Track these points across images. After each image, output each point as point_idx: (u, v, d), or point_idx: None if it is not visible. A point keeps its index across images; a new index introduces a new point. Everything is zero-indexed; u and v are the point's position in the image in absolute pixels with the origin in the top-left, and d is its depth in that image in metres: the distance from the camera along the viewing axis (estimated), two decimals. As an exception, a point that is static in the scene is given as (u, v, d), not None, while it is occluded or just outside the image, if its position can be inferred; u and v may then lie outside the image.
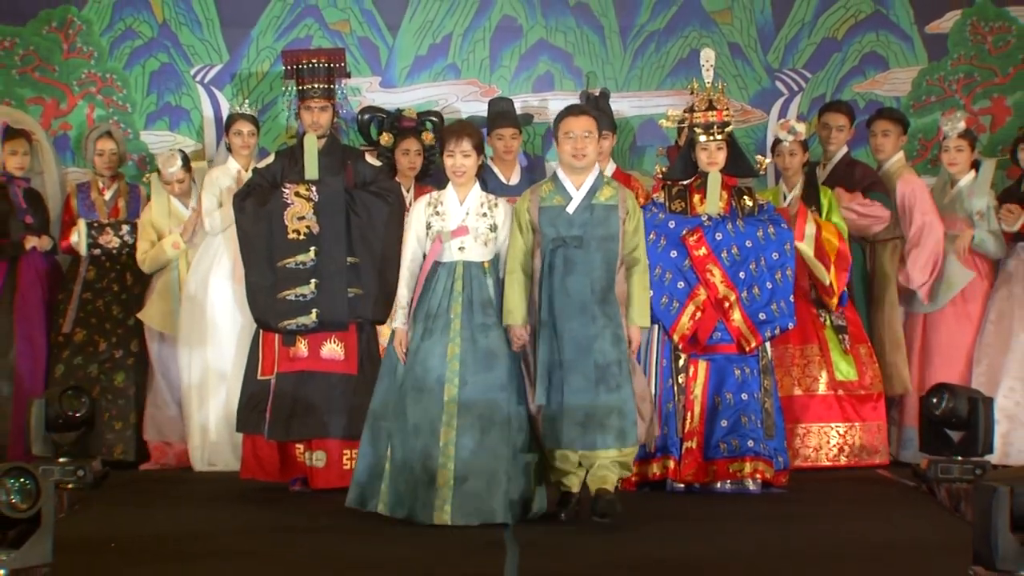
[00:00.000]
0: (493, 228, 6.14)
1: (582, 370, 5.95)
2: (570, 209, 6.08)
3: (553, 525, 6.06)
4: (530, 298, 6.07)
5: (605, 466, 6.03)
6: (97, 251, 8.02)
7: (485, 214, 6.15)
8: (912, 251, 7.86)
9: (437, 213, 6.15)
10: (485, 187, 7.31)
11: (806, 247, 7.34)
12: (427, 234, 6.14)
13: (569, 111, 6.21)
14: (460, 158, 6.11)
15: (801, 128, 7.91)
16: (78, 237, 7.99)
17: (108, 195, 8.13)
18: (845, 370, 7.71)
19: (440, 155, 6.27)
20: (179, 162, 7.98)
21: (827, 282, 7.46)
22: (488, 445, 5.92)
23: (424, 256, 6.16)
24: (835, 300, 7.54)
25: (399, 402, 6.04)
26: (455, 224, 6.10)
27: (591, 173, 6.16)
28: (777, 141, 7.92)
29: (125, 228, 8.01)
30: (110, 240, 8.02)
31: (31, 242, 7.94)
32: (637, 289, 6.11)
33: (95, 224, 8.03)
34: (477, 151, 6.16)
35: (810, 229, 7.37)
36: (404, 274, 6.20)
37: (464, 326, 6.01)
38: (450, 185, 6.21)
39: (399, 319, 6.14)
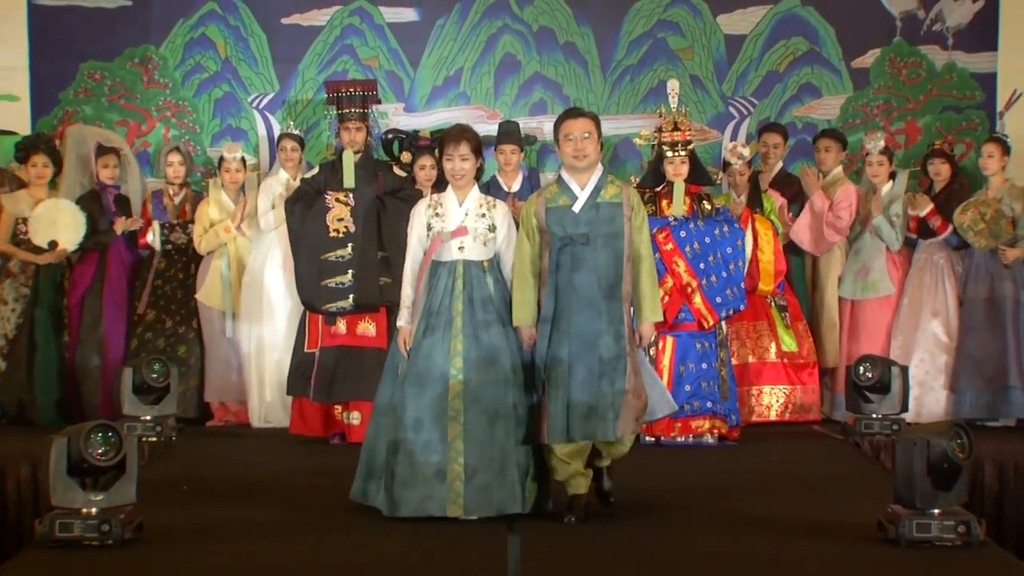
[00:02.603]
0: (492, 228, 5.28)
1: (587, 364, 5.07)
2: (576, 208, 5.14)
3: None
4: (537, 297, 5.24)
5: (600, 459, 5.27)
6: (168, 247, 7.97)
7: (484, 215, 5.30)
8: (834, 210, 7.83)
9: (437, 215, 5.31)
10: (488, 194, 7.28)
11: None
12: (428, 235, 5.29)
13: (568, 114, 5.30)
14: (459, 162, 5.28)
15: (747, 152, 7.90)
16: (153, 236, 7.95)
17: (177, 200, 8.08)
18: (788, 342, 7.72)
19: (439, 159, 5.35)
20: (240, 151, 7.99)
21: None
22: (496, 438, 5.07)
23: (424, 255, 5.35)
24: (770, 289, 7.52)
25: (398, 396, 5.19)
26: (455, 225, 5.26)
27: (595, 173, 5.20)
28: (727, 164, 7.89)
29: (191, 227, 7.97)
30: (179, 237, 7.97)
31: (121, 224, 7.87)
32: (646, 285, 5.20)
33: (167, 225, 7.98)
34: (475, 155, 5.32)
35: (748, 240, 7.36)
36: (407, 274, 5.34)
37: (466, 323, 5.16)
38: (450, 188, 5.37)
39: (403, 318, 5.30)
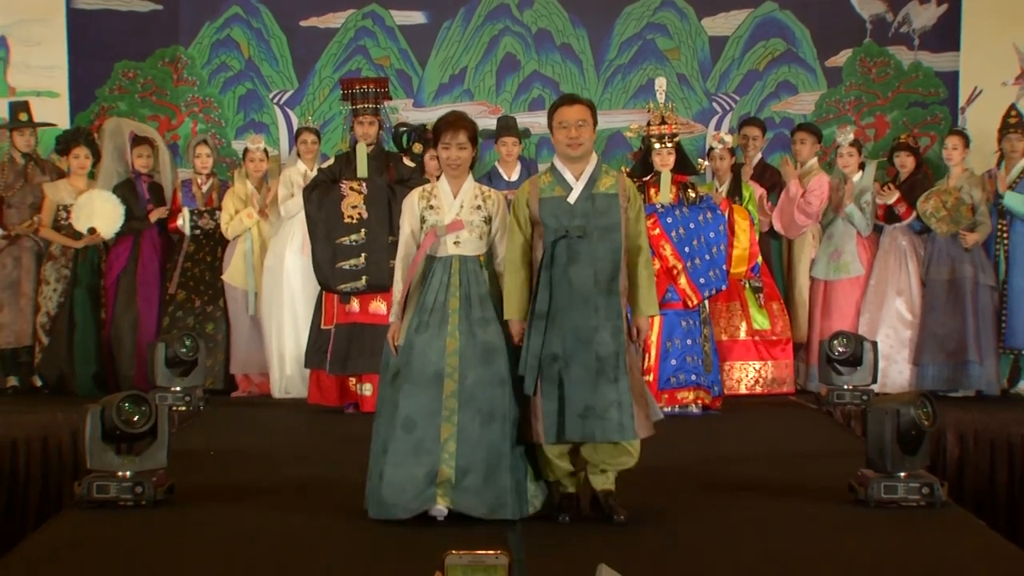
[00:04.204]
0: (487, 220, 4.56)
1: (583, 361, 4.38)
2: (571, 199, 4.45)
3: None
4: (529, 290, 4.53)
5: (605, 462, 4.52)
6: (197, 231, 7.94)
7: (479, 206, 4.57)
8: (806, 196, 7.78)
9: (431, 207, 4.56)
10: (490, 183, 7.24)
11: None
12: (421, 228, 4.57)
13: (562, 100, 4.57)
14: (456, 150, 4.54)
15: (729, 139, 7.88)
16: (183, 221, 7.92)
17: (205, 189, 8.04)
18: (760, 321, 7.70)
19: (435, 147, 4.67)
20: (262, 143, 7.98)
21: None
22: (489, 440, 4.38)
23: (417, 249, 4.60)
24: (742, 272, 7.46)
25: (390, 395, 4.49)
26: (450, 218, 4.53)
27: (589, 163, 4.51)
28: (711, 148, 7.86)
29: (218, 214, 7.93)
30: (207, 223, 7.94)
31: (155, 215, 7.86)
32: (642, 278, 4.50)
33: (195, 212, 7.95)
34: (472, 143, 4.59)
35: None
36: (399, 268, 4.60)
37: (462, 320, 4.45)
38: (443, 177, 4.63)
39: (394, 313, 4.56)
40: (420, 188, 4.70)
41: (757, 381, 7.69)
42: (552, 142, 4.64)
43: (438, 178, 4.67)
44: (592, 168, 4.53)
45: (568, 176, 4.52)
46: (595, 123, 4.53)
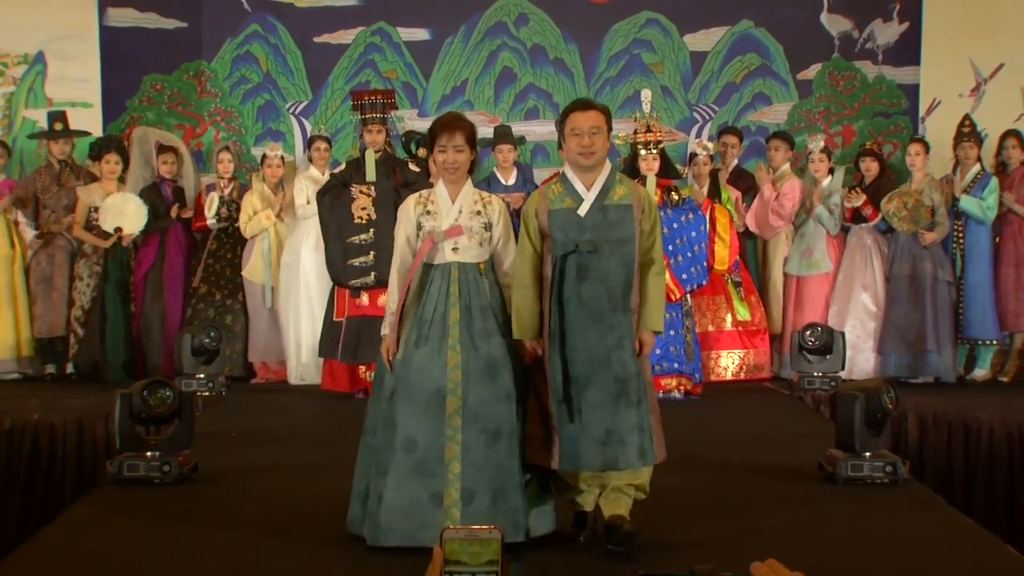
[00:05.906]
0: (488, 227, 3.94)
1: (600, 384, 3.76)
2: (581, 212, 3.81)
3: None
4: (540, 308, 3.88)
5: (620, 488, 3.87)
6: (217, 218, 7.87)
7: (479, 212, 3.95)
8: (779, 200, 7.77)
9: (428, 212, 3.94)
10: (488, 188, 7.23)
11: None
12: (418, 235, 3.95)
13: (575, 106, 3.89)
14: (452, 153, 3.90)
15: (710, 146, 7.88)
16: (210, 204, 7.87)
17: (227, 192, 8.03)
18: (743, 312, 7.70)
19: (431, 151, 4.07)
20: (279, 150, 7.98)
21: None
22: (497, 459, 3.76)
23: (414, 256, 3.98)
24: (725, 267, 7.44)
25: (387, 413, 3.84)
26: (448, 223, 3.92)
27: (602, 172, 3.85)
28: (693, 154, 7.85)
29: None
30: (223, 212, 7.90)
31: (175, 211, 7.86)
32: (651, 292, 3.86)
33: (223, 199, 7.91)
34: (470, 145, 3.94)
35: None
36: (394, 278, 3.98)
37: (463, 333, 3.82)
38: (441, 182, 4.01)
39: (388, 325, 3.91)
40: (416, 194, 4.07)
41: (741, 368, 7.71)
42: (564, 150, 3.94)
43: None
44: (605, 178, 3.87)
45: (579, 187, 3.86)
46: (610, 130, 3.89)
